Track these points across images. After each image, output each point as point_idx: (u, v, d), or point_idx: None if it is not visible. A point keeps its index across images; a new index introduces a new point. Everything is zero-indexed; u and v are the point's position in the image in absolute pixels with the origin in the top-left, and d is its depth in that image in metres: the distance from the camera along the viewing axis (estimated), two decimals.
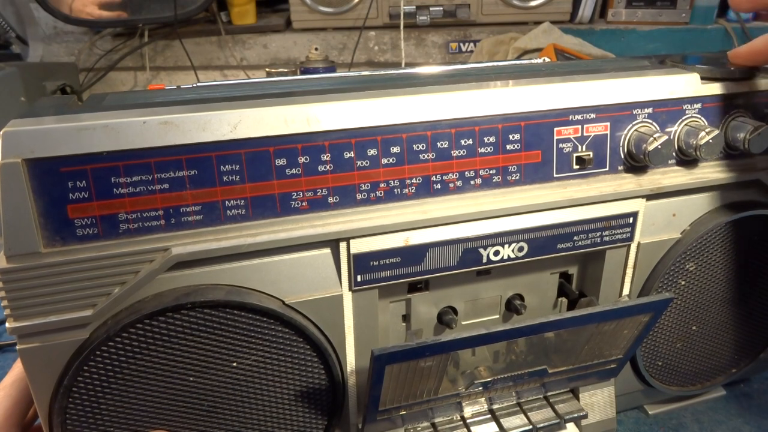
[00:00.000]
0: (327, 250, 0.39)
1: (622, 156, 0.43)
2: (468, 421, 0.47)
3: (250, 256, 0.37)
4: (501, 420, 0.47)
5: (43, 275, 0.33)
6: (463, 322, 0.47)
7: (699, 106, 0.43)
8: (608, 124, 0.42)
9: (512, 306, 0.47)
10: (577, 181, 0.42)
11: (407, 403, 0.41)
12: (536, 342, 0.45)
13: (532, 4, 1.29)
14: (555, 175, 0.42)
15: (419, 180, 0.39)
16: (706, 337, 0.51)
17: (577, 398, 0.50)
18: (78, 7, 1.26)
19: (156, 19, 1.31)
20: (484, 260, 0.42)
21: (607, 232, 0.44)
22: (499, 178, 0.41)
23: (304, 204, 0.37)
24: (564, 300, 0.49)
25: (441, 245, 0.40)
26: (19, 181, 0.32)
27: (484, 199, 0.40)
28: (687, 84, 0.42)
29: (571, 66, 0.57)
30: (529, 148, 0.41)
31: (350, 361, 0.42)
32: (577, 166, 0.42)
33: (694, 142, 0.42)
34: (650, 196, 0.44)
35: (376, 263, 0.39)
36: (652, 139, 0.41)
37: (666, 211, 0.45)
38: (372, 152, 0.38)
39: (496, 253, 0.42)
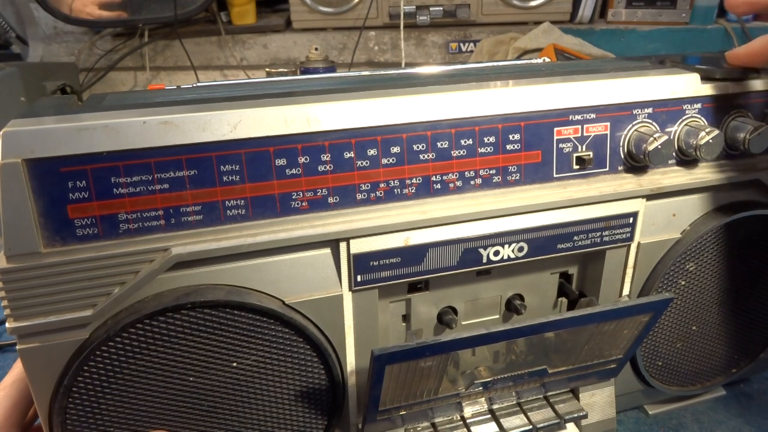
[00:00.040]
0: (327, 250, 0.39)
1: (622, 156, 0.43)
2: (468, 421, 0.47)
3: (250, 256, 0.37)
4: (501, 420, 0.47)
5: (43, 275, 0.33)
6: (463, 322, 0.47)
7: (699, 106, 0.43)
8: (608, 124, 0.42)
9: (512, 306, 0.47)
10: (577, 181, 0.42)
11: (407, 403, 0.41)
12: (536, 342, 0.45)
13: (532, 4, 1.29)
14: (555, 175, 0.42)
15: (419, 180, 0.39)
16: (706, 337, 0.51)
17: (577, 398, 0.50)
18: (78, 7, 1.26)
19: (156, 19, 1.31)
20: (484, 260, 0.42)
21: (607, 232, 0.44)
22: (499, 178, 0.41)
23: (304, 204, 0.37)
24: (564, 300, 0.49)
25: (441, 245, 0.40)
26: (19, 181, 0.32)
27: (484, 199, 0.40)
28: (687, 84, 0.42)
29: (571, 66, 0.57)
30: (529, 148, 0.41)
31: (350, 361, 0.42)
32: (577, 166, 0.42)
33: (694, 142, 0.42)
34: (650, 196, 0.44)
35: (376, 263, 0.39)
36: (652, 139, 0.41)
37: (666, 211, 0.45)
38: (372, 152, 0.38)
39: (496, 253, 0.42)
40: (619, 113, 0.42)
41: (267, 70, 1.11)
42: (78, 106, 0.39)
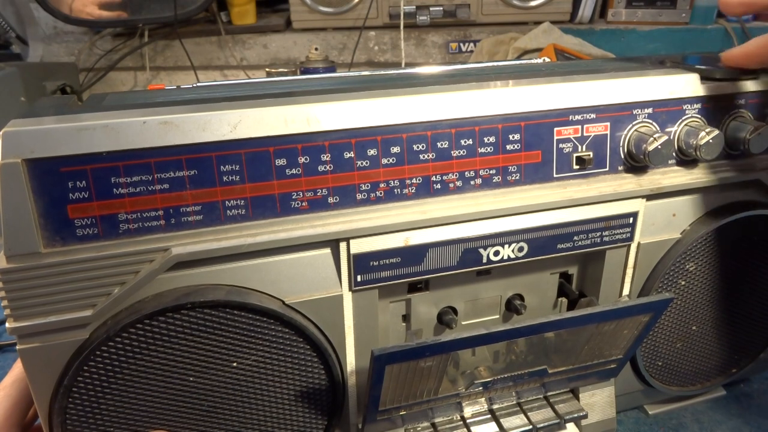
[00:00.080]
0: (327, 250, 0.39)
1: (622, 156, 0.43)
2: (468, 421, 0.47)
3: (250, 256, 0.37)
4: (501, 420, 0.47)
5: (43, 275, 0.33)
6: (463, 322, 0.47)
7: (699, 106, 0.43)
8: (608, 124, 0.42)
9: (512, 306, 0.47)
10: (577, 181, 0.42)
11: (407, 403, 0.41)
12: (536, 342, 0.45)
13: (532, 4, 1.29)
14: (555, 175, 0.42)
15: (419, 180, 0.39)
16: (706, 337, 0.51)
17: (577, 398, 0.50)
18: (78, 7, 1.26)
19: (156, 19, 1.31)
20: (484, 260, 0.42)
21: (607, 232, 0.44)
22: (499, 178, 0.41)
23: (304, 204, 0.37)
24: (564, 300, 0.49)
25: (441, 245, 0.40)
26: (19, 181, 0.32)
27: (484, 199, 0.40)
28: (687, 84, 0.42)
29: (571, 66, 0.58)
30: (529, 148, 0.41)
31: (350, 361, 0.42)
32: (577, 166, 0.42)
33: (694, 142, 0.42)
34: (650, 196, 0.44)
35: (376, 263, 0.39)
36: (652, 139, 0.41)
37: (666, 211, 0.45)
38: (372, 152, 0.38)
39: (496, 253, 0.42)
40: (619, 113, 0.42)
41: (267, 70, 1.11)
42: (78, 106, 0.39)
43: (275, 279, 0.38)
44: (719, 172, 0.45)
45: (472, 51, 1.33)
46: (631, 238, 0.45)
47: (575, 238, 0.43)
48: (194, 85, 0.52)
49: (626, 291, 0.47)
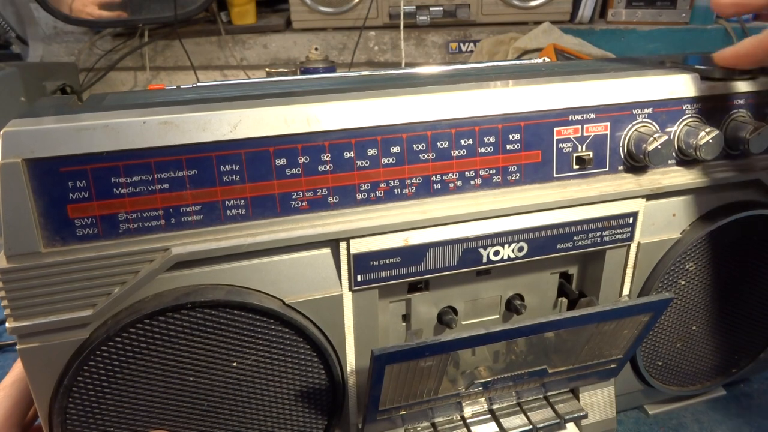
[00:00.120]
0: (327, 250, 0.39)
1: (622, 156, 0.43)
2: (468, 421, 0.47)
3: (250, 256, 0.37)
4: (501, 420, 0.47)
5: (43, 275, 0.33)
6: (463, 322, 0.47)
7: (699, 106, 0.43)
8: (608, 124, 0.42)
9: (512, 306, 0.47)
10: (577, 181, 0.42)
11: (407, 403, 0.41)
12: (536, 342, 0.45)
13: (532, 4, 1.29)
14: (555, 175, 0.42)
15: (419, 180, 0.39)
16: (706, 337, 0.51)
17: (577, 398, 0.50)
18: (78, 7, 1.26)
19: (156, 19, 1.31)
20: (484, 260, 0.42)
21: (607, 232, 0.44)
22: (499, 178, 0.41)
23: (304, 204, 0.37)
24: (564, 300, 0.49)
25: (441, 245, 0.40)
26: (19, 181, 0.32)
27: (484, 199, 0.40)
28: (687, 84, 0.42)
29: (571, 66, 0.58)
30: (529, 148, 0.41)
31: (350, 361, 0.42)
32: (577, 166, 0.42)
33: (694, 142, 0.42)
34: (650, 196, 0.44)
35: (376, 263, 0.39)
36: (652, 139, 0.41)
37: (666, 211, 0.45)
38: (372, 152, 0.38)
39: (496, 253, 0.42)
40: (619, 113, 0.42)
41: (267, 70, 1.11)
42: (78, 106, 0.39)
43: (275, 279, 0.38)
44: (719, 172, 0.45)
45: (472, 51, 1.33)
46: (631, 238, 0.45)
47: (575, 238, 0.43)
48: (194, 85, 0.52)
49: (626, 291, 0.47)
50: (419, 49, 1.36)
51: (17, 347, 0.34)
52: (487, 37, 1.27)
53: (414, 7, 1.28)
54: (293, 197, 0.37)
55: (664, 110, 0.43)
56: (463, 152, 0.39)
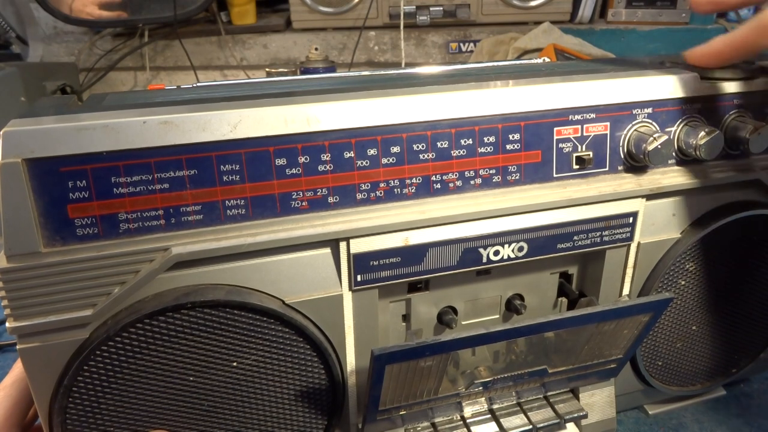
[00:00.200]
0: (327, 250, 0.39)
1: (622, 156, 0.43)
2: (468, 421, 0.47)
3: (250, 255, 0.37)
4: (501, 420, 0.47)
5: (43, 275, 0.33)
6: (463, 322, 0.47)
7: (699, 106, 0.43)
8: (608, 124, 0.42)
9: (512, 306, 0.47)
10: (577, 181, 0.42)
11: (407, 403, 0.41)
12: (536, 342, 0.45)
13: (532, 4, 1.29)
14: (555, 175, 0.42)
15: (419, 180, 0.39)
16: (706, 337, 0.51)
17: (577, 398, 0.50)
18: (78, 7, 1.26)
19: (156, 19, 1.31)
20: (484, 260, 0.42)
21: (607, 232, 0.44)
22: (498, 178, 0.41)
23: (304, 204, 0.37)
24: (564, 300, 0.49)
25: (441, 245, 0.40)
26: (19, 181, 0.32)
27: (484, 199, 0.41)
28: (687, 84, 0.42)
29: (571, 66, 0.57)
30: (528, 148, 0.41)
31: (350, 361, 0.42)
32: (577, 166, 0.42)
33: (694, 142, 0.42)
34: (650, 196, 0.44)
35: (376, 263, 0.39)
36: (651, 139, 0.41)
37: (666, 211, 0.45)
38: (372, 152, 0.38)
39: (496, 252, 0.42)
40: (618, 113, 0.42)
41: (267, 70, 1.11)
42: (78, 106, 0.39)
43: (275, 279, 0.38)
44: (719, 172, 0.45)
45: (472, 51, 1.33)
46: (631, 238, 0.45)
47: (575, 237, 0.43)
48: (194, 85, 0.52)
49: (626, 291, 0.47)
50: (419, 49, 1.36)
51: (17, 347, 0.34)
52: (487, 37, 1.27)
53: (414, 7, 1.28)
54: (293, 197, 0.37)
55: (664, 110, 0.43)
56: (463, 152, 0.39)
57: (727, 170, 0.45)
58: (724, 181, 0.45)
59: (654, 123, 0.43)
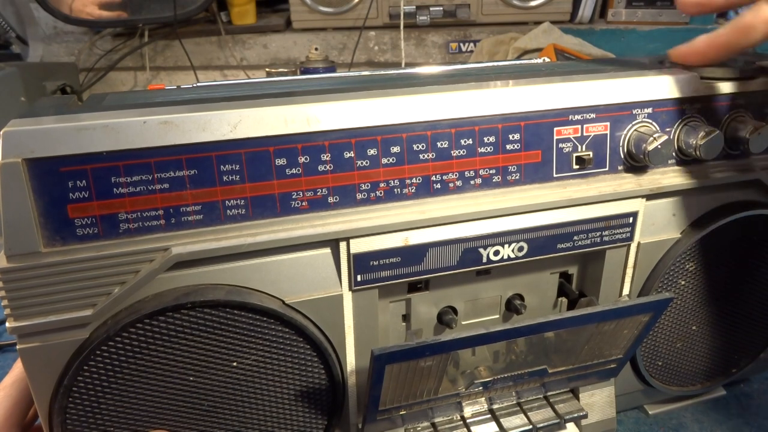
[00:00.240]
0: (327, 250, 0.39)
1: (622, 156, 0.43)
2: (468, 421, 0.47)
3: (250, 255, 0.37)
4: (501, 420, 0.47)
5: (43, 275, 0.33)
6: (463, 322, 0.47)
7: (699, 106, 0.43)
8: (608, 124, 0.42)
9: (512, 306, 0.47)
10: (577, 181, 0.42)
11: (407, 403, 0.41)
12: (536, 342, 0.45)
13: (532, 4, 1.29)
14: (555, 175, 0.42)
15: (419, 180, 0.39)
16: (706, 337, 0.51)
17: (577, 398, 0.50)
18: (78, 7, 1.26)
19: (156, 19, 1.31)
20: (484, 260, 0.42)
21: (607, 232, 0.44)
22: (498, 178, 0.41)
23: (304, 204, 0.37)
24: (564, 300, 0.49)
25: (441, 245, 0.40)
26: (19, 181, 0.32)
27: (484, 199, 0.41)
28: (687, 84, 0.42)
29: (571, 66, 0.57)
30: (528, 148, 0.41)
31: (350, 361, 0.42)
32: (577, 166, 0.42)
33: (694, 142, 0.42)
34: (650, 196, 0.44)
35: (376, 263, 0.39)
36: (651, 139, 0.41)
37: (666, 211, 0.45)
38: (372, 152, 0.38)
39: (496, 252, 0.42)
40: (618, 113, 0.42)
41: (267, 70, 1.11)
42: (78, 106, 0.39)
43: (275, 279, 0.38)
44: (719, 172, 0.45)
45: (472, 51, 1.33)
46: (631, 238, 0.45)
47: (575, 237, 0.43)
48: (194, 85, 0.52)
49: (626, 291, 0.47)
50: (419, 49, 1.36)
51: (17, 347, 0.34)
52: (487, 37, 1.27)
53: (414, 7, 1.28)
54: (293, 197, 0.37)
55: (664, 110, 0.43)
56: (463, 152, 0.39)
57: (727, 170, 0.45)
58: (724, 181, 0.45)
59: (654, 123, 0.43)
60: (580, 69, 0.47)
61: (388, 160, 0.38)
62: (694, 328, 0.50)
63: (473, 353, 0.48)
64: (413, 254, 0.40)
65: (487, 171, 0.40)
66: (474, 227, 0.40)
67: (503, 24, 1.31)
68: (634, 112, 0.42)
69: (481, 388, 0.43)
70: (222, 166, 0.35)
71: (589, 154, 0.42)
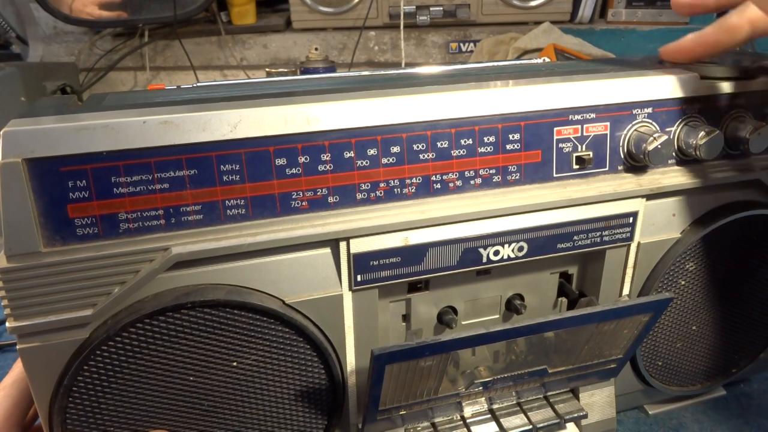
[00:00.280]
0: (327, 250, 0.39)
1: (622, 156, 0.43)
2: (468, 421, 0.47)
3: (250, 255, 0.37)
4: (501, 420, 0.47)
5: (43, 275, 0.33)
6: (463, 322, 0.47)
7: (699, 105, 0.43)
8: (608, 123, 0.42)
9: (512, 306, 0.47)
10: (577, 181, 0.42)
11: (407, 403, 0.41)
12: (536, 342, 0.45)
13: (532, 4, 1.29)
14: (555, 175, 0.42)
15: (419, 180, 0.39)
16: (706, 337, 0.51)
17: (577, 398, 0.50)
18: (78, 7, 1.26)
19: (156, 19, 1.31)
20: (484, 260, 0.42)
21: (606, 232, 0.44)
22: (498, 178, 0.41)
23: (304, 204, 0.37)
24: (564, 300, 0.49)
25: (441, 245, 0.40)
26: (19, 180, 0.32)
27: (484, 199, 0.41)
28: (687, 84, 0.42)
29: (571, 66, 0.57)
30: (528, 148, 0.41)
31: (350, 361, 0.42)
32: (577, 166, 0.42)
33: (694, 142, 0.42)
34: (650, 196, 0.44)
35: (376, 263, 0.39)
36: (651, 138, 0.41)
37: (666, 211, 0.45)
38: (372, 152, 0.38)
39: (496, 252, 0.42)
40: (618, 113, 0.42)
41: (267, 70, 1.11)
42: (78, 106, 0.39)
43: (275, 279, 0.38)
44: (719, 171, 0.45)
45: (472, 51, 1.33)
46: (631, 238, 0.45)
47: (575, 237, 0.43)
48: (194, 85, 0.52)
49: (626, 291, 0.47)
50: (419, 49, 1.36)
51: (17, 347, 0.34)
52: (487, 37, 1.27)
53: (414, 7, 1.28)
54: (293, 197, 0.37)
55: (664, 110, 0.43)
56: (463, 152, 0.39)
57: (727, 170, 0.45)
58: (724, 181, 0.45)
59: (654, 123, 0.43)
60: (580, 69, 0.47)
61: (388, 160, 0.38)
62: (694, 328, 0.50)
63: (473, 353, 0.48)
64: (413, 254, 0.40)
65: (487, 171, 0.40)
66: (474, 227, 0.40)
67: (503, 24, 1.31)
68: (634, 112, 0.42)
69: (481, 388, 0.43)
70: (222, 166, 0.35)
71: (589, 154, 0.42)
